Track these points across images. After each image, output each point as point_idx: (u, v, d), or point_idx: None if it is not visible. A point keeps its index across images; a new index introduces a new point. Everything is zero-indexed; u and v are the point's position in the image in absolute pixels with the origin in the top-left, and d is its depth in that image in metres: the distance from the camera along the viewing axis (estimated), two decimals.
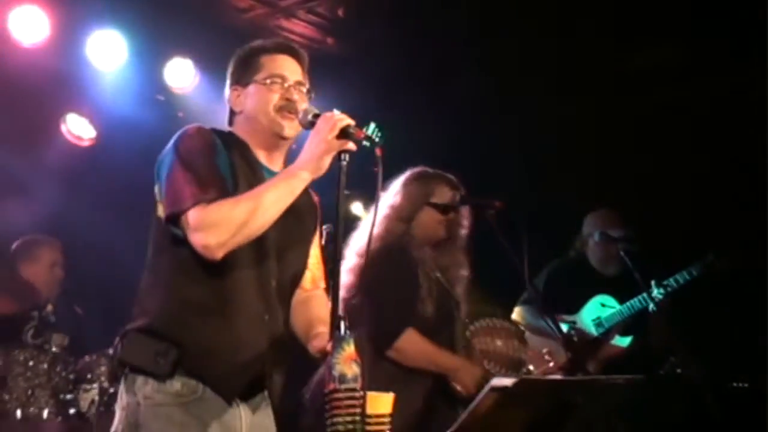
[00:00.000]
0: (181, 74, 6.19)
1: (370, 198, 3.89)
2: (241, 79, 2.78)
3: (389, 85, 6.76)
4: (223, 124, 6.35)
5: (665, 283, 4.65)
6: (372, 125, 7.17)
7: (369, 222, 3.58)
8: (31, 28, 5.48)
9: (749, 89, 5.59)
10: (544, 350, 4.57)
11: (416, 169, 3.90)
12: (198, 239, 2.40)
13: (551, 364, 4.47)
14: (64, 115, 6.13)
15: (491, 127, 6.69)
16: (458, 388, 3.58)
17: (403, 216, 3.71)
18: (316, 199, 2.89)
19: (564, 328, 4.74)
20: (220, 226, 2.38)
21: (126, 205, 5.69)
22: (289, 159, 2.77)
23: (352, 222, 3.63)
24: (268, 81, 2.69)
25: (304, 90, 2.73)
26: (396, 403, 2.39)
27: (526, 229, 3.43)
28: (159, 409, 2.46)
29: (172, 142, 2.65)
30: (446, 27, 6.11)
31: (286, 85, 2.69)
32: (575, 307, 4.90)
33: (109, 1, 5.76)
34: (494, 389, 2.25)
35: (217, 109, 6.38)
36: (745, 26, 5.37)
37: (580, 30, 5.84)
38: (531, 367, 4.64)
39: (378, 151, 2.46)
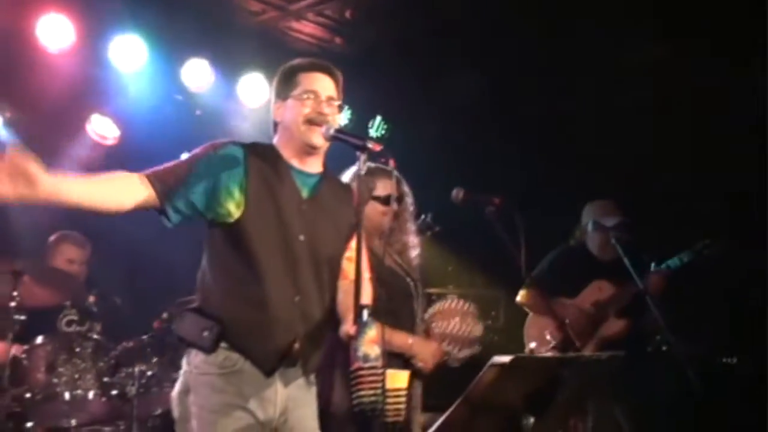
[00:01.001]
0: (198, 74, 6.46)
1: None
2: (281, 94, 3.10)
3: (395, 83, 7.01)
4: (236, 119, 6.70)
5: (658, 268, 4.95)
6: (378, 119, 7.48)
7: None
8: (58, 35, 5.75)
9: (746, 82, 5.83)
10: (546, 331, 4.90)
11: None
12: None
13: (551, 345, 4.79)
14: (89, 116, 6.39)
15: (493, 124, 6.91)
16: (419, 364, 3.75)
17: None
18: (356, 199, 3.13)
19: None
20: None
21: None
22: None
23: None
24: (303, 96, 3.03)
25: (336, 104, 3.08)
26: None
27: (523, 223, 3.75)
28: (204, 378, 2.86)
29: None
30: (448, 27, 6.37)
31: (318, 99, 3.03)
32: (575, 290, 5.15)
33: (129, 7, 5.99)
34: (493, 365, 2.62)
35: (232, 106, 6.76)
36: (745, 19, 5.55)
37: (579, 26, 6.04)
38: (533, 345, 4.98)
39: (392, 163, 2.82)
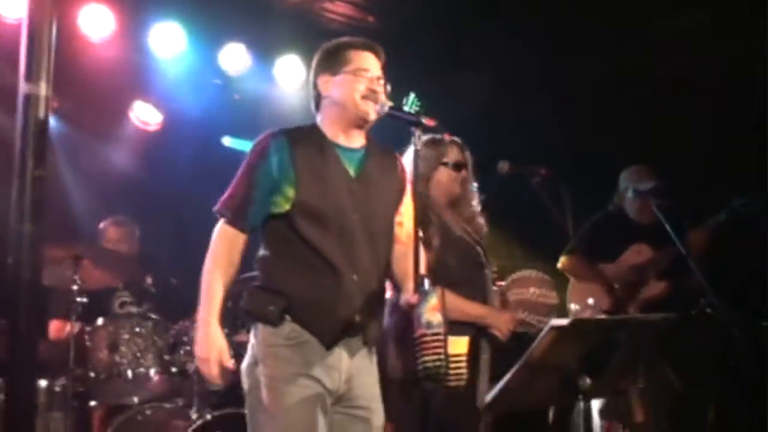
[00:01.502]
0: (235, 59, 6.58)
1: None
2: (330, 69, 3.18)
3: (428, 59, 7.06)
4: (274, 101, 6.80)
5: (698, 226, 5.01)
6: (412, 96, 7.56)
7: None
8: (99, 25, 5.91)
9: None
10: (588, 296, 4.98)
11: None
12: (213, 237, 3.08)
13: (599, 310, 4.87)
14: (131, 103, 6.57)
15: (530, 94, 6.89)
16: (495, 333, 3.85)
17: (420, 178, 3.91)
18: (400, 163, 3.32)
19: None
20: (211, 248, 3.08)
21: (191, 181, 6.21)
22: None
23: None
24: (356, 72, 3.13)
25: (382, 83, 3.18)
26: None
27: (569, 192, 3.85)
28: (271, 349, 2.98)
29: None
30: (482, 1, 6.45)
31: (369, 76, 3.14)
32: (615, 254, 5.19)
33: None
34: (553, 328, 2.72)
35: (269, 88, 6.87)
36: None
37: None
38: (575, 308, 5.06)
39: (430, 122, 2.95)
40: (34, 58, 3.61)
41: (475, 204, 4.12)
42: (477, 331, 3.84)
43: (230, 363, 2.97)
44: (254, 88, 6.85)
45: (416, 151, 3.00)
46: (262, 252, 3.13)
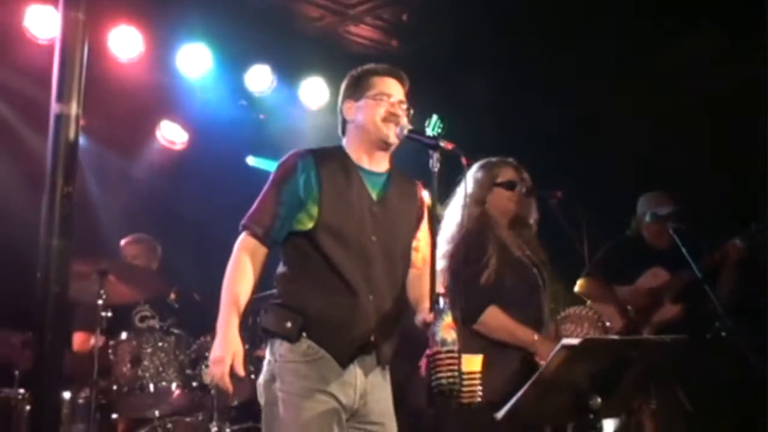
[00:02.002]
0: (261, 80, 6.72)
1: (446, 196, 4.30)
2: (354, 95, 3.29)
3: (450, 81, 7.17)
4: (298, 122, 6.91)
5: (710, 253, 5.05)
6: (435, 117, 7.64)
7: (451, 210, 4.11)
8: (128, 46, 6.05)
9: None
10: (603, 318, 5.03)
11: (481, 161, 4.34)
12: (234, 250, 3.15)
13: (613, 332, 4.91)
14: (158, 122, 6.71)
15: (552, 120, 7.00)
16: (540, 361, 3.78)
17: (477, 199, 4.08)
18: (420, 190, 3.40)
19: None
20: (232, 263, 3.14)
21: (216, 199, 6.33)
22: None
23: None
24: (378, 97, 3.22)
25: (404, 107, 3.27)
26: (486, 366, 2.90)
27: (585, 214, 3.90)
28: (289, 365, 3.05)
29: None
30: (503, 27, 6.54)
31: (390, 101, 3.23)
32: (632, 278, 5.26)
33: (194, 18, 6.26)
34: (564, 347, 2.78)
35: (293, 110, 6.98)
36: None
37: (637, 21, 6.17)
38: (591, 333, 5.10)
39: (464, 161, 3.00)
40: (66, 79, 3.71)
41: (533, 227, 4.19)
42: (521, 356, 3.85)
43: (242, 370, 3.02)
44: (279, 109, 6.97)
45: (434, 173, 3.07)
46: (281, 269, 3.21)
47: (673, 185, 5.67)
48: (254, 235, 3.14)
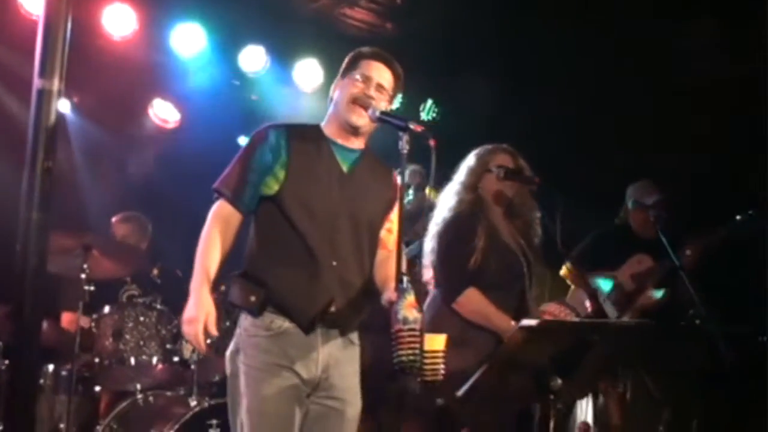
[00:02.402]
0: (254, 60, 6.73)
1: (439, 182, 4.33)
2: (343, 74, 3.34)
3: (445, 65, 7.20)
4: (291, 103, 6.91)
5: (692, 242, 5.06)
6: (429, 102, 7.67)
7: (444, 196, 4.15)
8: (121, 24, 6.05)
9: None
10: (585, 303, 5.08)
11: (477, 149, 4.38)
12: (209, 216, 3.21)
13: (589, 310, 4.96)
14: (151, 101, 6.73)
15: (546, 103, 6.97)
16: None
17: (468, 186, 4.12)
18: (395, 177, 3.40)
19: (604, 283, 5.25)
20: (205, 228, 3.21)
21: (206, 178, 6.35)
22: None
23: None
24: (356, 77, 3.26)
25: (385, 92, 3.29)
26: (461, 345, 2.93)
27: (561, 200, 3.93)
28: (252, 339, 3.11)
29: None
30: (495, 9, 6.55)
31: (367, 84, 3.25)
32: (616, 266, 5.27)
33: None
34: (522, 327, 2.83)
35: (286, 91, 7.00)
36: None
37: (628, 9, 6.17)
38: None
39: (432, 142, 3.03)
40: (48, 55, 3.76)
41: (532, 215, 4.21)
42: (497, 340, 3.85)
43: (215, 330, 3.06)
44: (273, 90, 6.98)
45: (402, 155, 3.10)
46: (250, 237, 3.24)
47: (661, 176, 5.72)
48: (226, 199, 3.18)
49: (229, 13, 6.44)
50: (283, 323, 3.11)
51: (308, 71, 6.98)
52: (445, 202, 4.13)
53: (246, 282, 3.15)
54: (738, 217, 5.06)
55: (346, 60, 3.38)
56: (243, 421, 3.07)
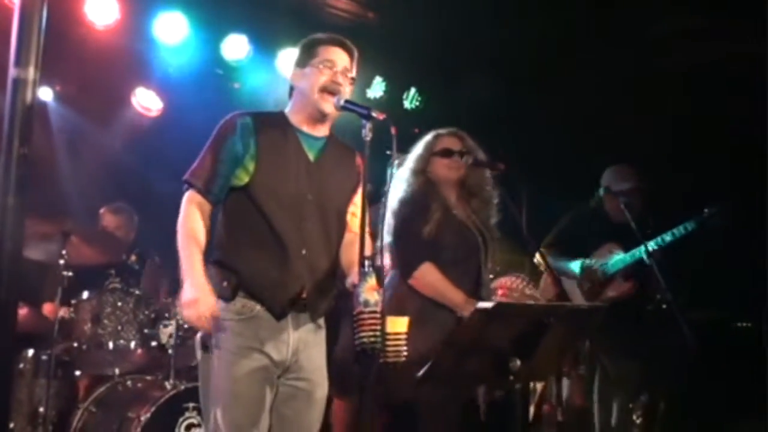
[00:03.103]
0: (237, 49, 6.76)
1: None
2: (301, 63, 3.41)
3: (427, 53, 7.23)
4: (273, 92, 6.97)
5: (661, 236, 5.11)
6: (413, 90, 7.72)
7: (395, 182, 4.22)
8: (104, 12, 6.05)
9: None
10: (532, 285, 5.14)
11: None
12: (181, 208, 3.28)
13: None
14: (134, 89, 6.77)
15: (527, 94, 7.13)
16: None
17: (417, 171, 4.21)
18: (358, 158, 3.48)
19: (576, 267, 5.33)
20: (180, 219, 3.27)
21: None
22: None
23: None
24: (320, 65, 3.32)
25: (349, 77, 3.37)
26: (421, 323, 2.98)
27: (526, 187, 4.02)
28: (224, 323, 3.17)
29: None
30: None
31: (334, 69, 3.33)
32: (588, 251, 5.34)
33: None
34: (478, 310, 2.91)
35: (268, 78, 7.05)
36: None
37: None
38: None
39: (380, 116, 3.11)
40: (24, 44, 3.81)
41: (486, 192, 4.28)
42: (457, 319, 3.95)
43: (216, 308, 3.11)
44: (255, 79, 7.02)
45: (366, 142, 3.17)
46: (218, 225, 3.30)
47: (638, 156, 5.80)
48: (197, 190, 3.25)
49: (211, 1, 6.48)
50: (254, 307, 3.19)
51: (291, 60, 6.98)
52: (397, 188, 4.19)
53: (218, 268, 3.22)
54: (704, 212, 5.13)
55: (302, 48, 3.44)
56: (215, 403, 3.15)
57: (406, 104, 7.67)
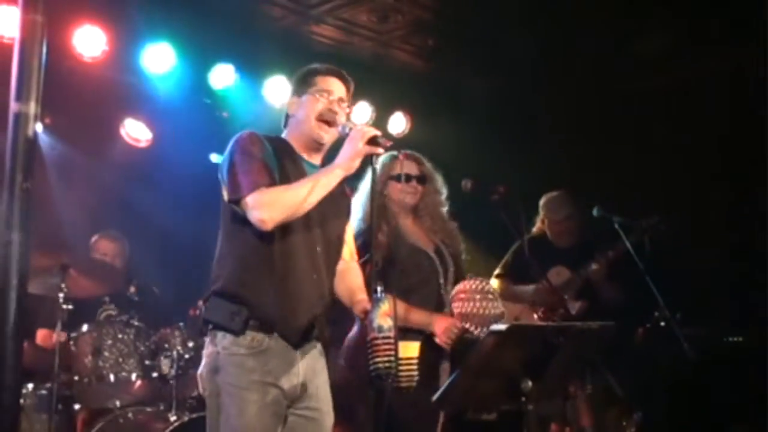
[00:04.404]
0: (224, 78, 6.78)
1: None
2: (298, 91, 3.45)
3: (410, 81, 7.44)
4: (263, 120, 7.04)
5: (599, 255, 5.33)
6: (398, 114, 7.76)
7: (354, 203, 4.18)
8: (92, 45, 6.05)
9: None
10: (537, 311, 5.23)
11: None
12: (255, 215, 3.07)
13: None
14: (122, 120, 6.76)
15: (510, 121, 7.28)
16: (437, 340, 4.01)
17: (364, 203, 4.15)
18: (348, 191, 3.59)
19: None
20: (273, 204, 3.08)
21: (179, 196, 6.45)
22: (327, 160, 3.48)
23: None
24: (317, 94, 3.37)
25: (345, 106, 3.42)
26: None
27: (525, 210, 4.08)
28: (233, 358, 3.15)
29: (230, 144, 3.29)
30: (462, 28, 6.73)
31: (330, 98, 3.37)
32: (537, 277, 5.31)
33: (158, 17, 6.31)
34: (492, 333, 2.95)
35: (256, 107, 7.10)
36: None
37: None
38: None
39: (401, 156, 3.17)
40: (24, 79, 3.83)
41: (440, 214, 4.35)
42: (427, 337, 4.02)
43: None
44: (243, 107, 7.05)
45: (374, 170, 3.22)
46: (223, 252, 3.28)
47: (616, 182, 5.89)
48: (264, 188, 3.10)
49: (198, 32, 6.49)
50: (264, 339, 3.17)
51: (278, 88, 7.06)
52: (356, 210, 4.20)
53: (225, 301, 3.19)
54: (646, 222, 5.22)
55: (298, 77, 3.48)
56: None
57: (390, 129, 7.72)
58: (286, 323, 3.19)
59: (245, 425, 3.11)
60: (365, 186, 4.15)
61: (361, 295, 3.28)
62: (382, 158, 4.22)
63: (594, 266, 5.30)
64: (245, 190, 3.09)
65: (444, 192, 4.42)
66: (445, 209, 4.39)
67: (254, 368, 3.14)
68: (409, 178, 4.25)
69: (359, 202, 4.11)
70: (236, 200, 3.13)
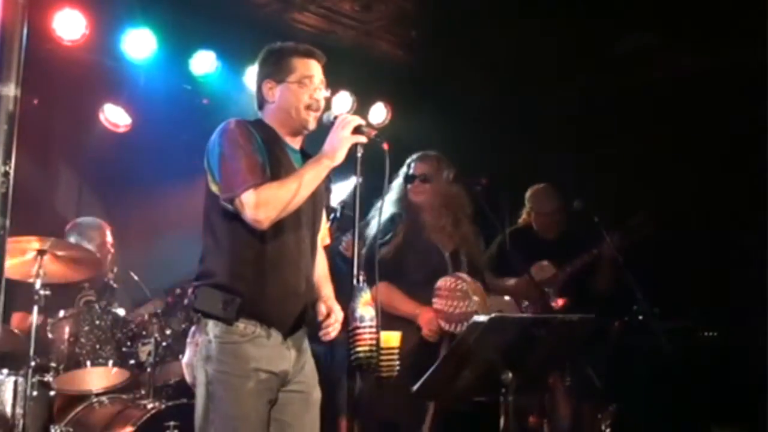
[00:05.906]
0: (205, 65, 6.75)
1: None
2: (275, 75, 3.35)
3: (393, 70, 7.44)
4: (243, 107, 7.01)
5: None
6: (379, 104, 7.75)
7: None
8: (71, 29, 6.02)
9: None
10: (525, 303, 5.25)
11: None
12: (251, 215, 3.06)
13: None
14: (101, 105, 6.67)
15: (491, 110, 7.30)
16: (423, 333, 4.21)
17: (396, 198, 4.43)
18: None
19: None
20: (268, 204, 3.06)
21: (158, 182, 6.41)
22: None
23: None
24: (301, 82, 3.30)
25: (323, 87, 3.37)
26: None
27: (508, 201, 4.10)
28: (228, 346, 3.14)
29: (217, 133, 3.25)
30: (445, 18, 6.72)
31: (312, 86, 3.32)
32: (523, 269, 5.31)
33: (140, 1, 6.28)
34: (474, 323, 2.96)
35: (237, 95, 7.06)
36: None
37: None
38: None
39: (385, 146, 3.15)
40: (5, 61, 3.78)
41: (460, 216, 4.44)
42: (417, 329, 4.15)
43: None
44: (224, 95, 7.01)
45: (358, 158, 3.20)
46: (210, 241, 3.25)
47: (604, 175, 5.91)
48: (255, 187, 3.07)
49: (179, 18, 6.46)
50: (256, 328, 3.17)
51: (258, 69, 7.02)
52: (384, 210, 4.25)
53: (216, 290, 3.17)
54: (627, 223, 5.27)
55: (273, 57, 3.39)
56: (219, 427, 3.11)
57: (371, 119, 7.71)
58: (279, 316, 3.21)
59: (240, 414, 3.10)
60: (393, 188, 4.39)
61: (326, 291, 3.41)
62: (409, 160, 4.49)
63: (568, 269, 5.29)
64: (238, 188, 3.07)
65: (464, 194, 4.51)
66: (466, 205, 4.49)
67: (249, 356, 3.14)
68: (426, 178, 4.41)
69: (389, 200, 4.28)
70: (230, 199, 3.11)
